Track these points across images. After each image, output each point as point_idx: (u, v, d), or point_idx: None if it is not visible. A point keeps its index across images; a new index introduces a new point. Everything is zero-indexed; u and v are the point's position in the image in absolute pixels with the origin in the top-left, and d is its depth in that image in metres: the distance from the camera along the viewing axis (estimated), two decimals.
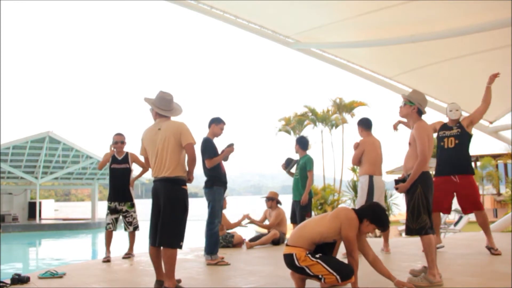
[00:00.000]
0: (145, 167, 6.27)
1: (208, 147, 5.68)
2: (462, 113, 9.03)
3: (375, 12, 6.44)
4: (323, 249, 3.75)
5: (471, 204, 5.62)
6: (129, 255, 6.27)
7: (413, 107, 4.16)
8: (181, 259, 5.92)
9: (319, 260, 3.59)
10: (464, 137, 5.64)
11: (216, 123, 5.83)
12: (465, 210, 5.72)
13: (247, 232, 9.39)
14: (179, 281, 4.15)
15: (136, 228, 6.33)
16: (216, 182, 5.69)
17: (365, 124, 5.99)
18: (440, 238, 6.05)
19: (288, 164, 6.98)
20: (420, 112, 4.18)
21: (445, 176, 5.61)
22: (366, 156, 5.78)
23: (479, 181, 20.97)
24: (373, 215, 3.77)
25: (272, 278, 4.54)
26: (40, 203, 27.02)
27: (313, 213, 9.25)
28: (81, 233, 23.58)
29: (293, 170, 6.96)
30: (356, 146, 5.87)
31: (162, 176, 4.03)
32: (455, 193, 5.64)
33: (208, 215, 5.69)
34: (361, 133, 6.01)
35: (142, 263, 5.81)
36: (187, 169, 4.18)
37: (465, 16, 6.43)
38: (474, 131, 6.03)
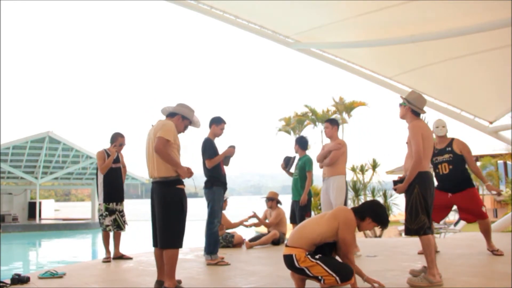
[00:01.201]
0: (125, 166, 6.40)
1: (208, 147, 5.68)
2: (463, 114, 9.00)
3: (375, 12, 6.45)
4: (324, 249, 3.75)
5: (474, 215, 5.62)
6: (122, 255, 6.17)
7: (407, 107, 4.17)
8: (181, 259, 5.90)
9: (318, 261, 3.58)
10: (457, 161, 5.55)
11: (217, 124, 5.80)
12: (468, 220, 5.74)
13: (247, 232, 9.39)
14: (179, 281, 4.15)
15: None
16: (216, 182, 5.68)
17: (337, 125, 6.15)
18: (435, 244, 6.03)
19: (287, 162, 7.00)
20: (416, 112, 4.17)
21: (444, 192, 5.58)
22: (343, 156, 5.94)
23: (479, 181, 20.90)
24: (376, 214, 3.79)
25: (272, 278, 4.54)
26: (40, 203, 27.03)
27: (312, 213, 9.25)
28: (81, 233, 23.58)
29: (292, 169, 6.99)
30: (340, 147, 5.91)
31: (155, 177, 4.06)
32: (454, 205, 5.69)
33: (207, 215, 5.69)
34: (333, 134, 6.07)
35: (142, 263, 5.80)
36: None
37: (465, 16, 6.44)
38: (474, 131, 6.01)
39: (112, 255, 6.11)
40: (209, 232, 5.64)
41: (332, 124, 6.09)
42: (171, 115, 4.24)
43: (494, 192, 5.78)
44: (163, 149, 3.92)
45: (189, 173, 4.15)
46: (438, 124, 5.69)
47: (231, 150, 5.78)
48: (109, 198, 6.10)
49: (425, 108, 4.33)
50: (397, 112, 4.34)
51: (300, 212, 6.63)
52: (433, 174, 5.73)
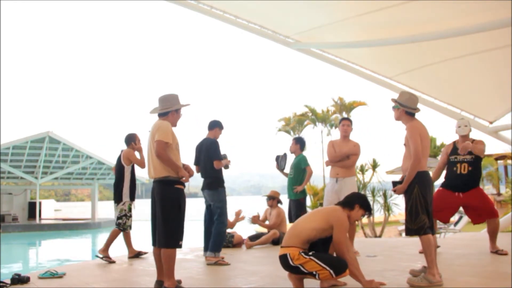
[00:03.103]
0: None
1: (218, 149, 5.80)
2: (463, 114, 8.97)
3: (375, 12, 6.45)
4: (318, 247, 3.77)
5: (487, 214, 5.55)
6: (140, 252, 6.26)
7: (401, 110, 4.17)
8: (181, 259, 5.92)
9: (312, 257, 3.62)
10: (477, 163, 5.52)
11: (220, 128, 6.00)
12: (477, 220, 5.61)
13: (246, 230, 9.38)
14: (179, 281, 4.15)
15: None
16: (221, 183, 5.80)
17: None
18: (436, 240, 6.00)
19: (278, 160, 7.12)
20: (410, 113, 4.17)
21: (453, 192, 5.54)
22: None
23: (481, 182, 20.88)
24: (362, 199, 4.02)
25: (272, 278, 4.54)
26: (40, 203, 27.02)
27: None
28: (81, 233, 23.58)
29: (287, 169, 7.09)
30: (359, 151, 5.99)
31: (154, 177, 4.08)
32: (461, 207, 5.63)
33: (218, 215, 5.70)
34: (350, 133, 6.11)
35: (142, 263, 5.81)
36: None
37: (465, 16, 6.44)
38: (474, 132, 5.98)
39: (128, 255, 6.18)
40: (219, 231, 5.70)
41: (352, 123, 6.16)
42: (163, 114, 4.18)
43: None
44: (164, 153, 3.96)
45: (190, 174, 4.18)
46: (460, 124, 5.67)
47: (228, 161, 5.93)
48: (132, 196, 6.14)
49: (425, 108, 4.35)
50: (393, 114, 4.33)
51: (296, 211, 6.75)
52: (446, 172, 5.67)
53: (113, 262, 5.88)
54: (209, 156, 5.74)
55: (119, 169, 6.16)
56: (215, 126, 5.97)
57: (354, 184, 5.94)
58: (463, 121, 5.71)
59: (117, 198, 6.12)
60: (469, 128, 5.67)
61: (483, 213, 5.55)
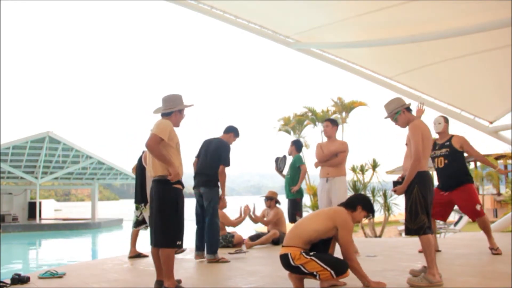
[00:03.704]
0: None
1: (229, 155, 5.81)
2: (463, 114, 8.98)
3: (375, 12, 6.45)
4: (319, 247, 3.78)
5: (470, 213, 5.65)
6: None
7: (403, 112, 4.16)
8: (181, 259, 5.92)
9: (313, 257, 3.62)
10: (454, 155, 5.57)
11: (235, 135, 6.05)
12: (469, 217, 5.79)
13: (246, 231, 9.37)
14: (179, 281, 4.15)
15: None
16: (216, 182, 5.80)
17: (337, 125, 6.16)
18: (437, 244, 6.00)
19: (277, 162, 7.25)
20: (409, 109, 4.19)
21: (439, 190, 5.64)
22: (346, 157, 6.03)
23: (479, 181, 20.91)
24: (365, 200, 4.03)
25: (272, 278, 4.54)
26: (40, 203, 27.04)
27: (310, 211, 9.30)
28: (81, 233, 23.60)
29: (285, 170, 7.22)
30: (347, 149, 6.00)
31: (153, 176, 4.07)
32: (454, 203, 5.70)
33: (211, 215, 5.72)
34: (333, 133, 6.06)
35: (142, 263, 5.81)
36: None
37: (465, 16, 6.44)
38: (475, 131, 6.01)
39: (129, 254, 6.20)
40: (214, 231, 5.70)
41: (332, 124, 6.12)
42: (167, 114, 4.14)
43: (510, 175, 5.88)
44: (153, 145, 3.89)
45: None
46: (435, 121, 5.78)
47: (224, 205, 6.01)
48: None
49: (425, 109, 4.39)
50: (395, 123, 4.28)
51: (292, 211, 6.87)
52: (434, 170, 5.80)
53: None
54: (217, 157, 5.73)
55: (141, 170, 6.11)
56: (231, 131, 6.01)
57: (344, 183, 5.98)
58: (437, 119, 5.79)
59: (143, 199, 6.05)
60: (444, 125, 5.71)
61: (468, 213, 5.69)
